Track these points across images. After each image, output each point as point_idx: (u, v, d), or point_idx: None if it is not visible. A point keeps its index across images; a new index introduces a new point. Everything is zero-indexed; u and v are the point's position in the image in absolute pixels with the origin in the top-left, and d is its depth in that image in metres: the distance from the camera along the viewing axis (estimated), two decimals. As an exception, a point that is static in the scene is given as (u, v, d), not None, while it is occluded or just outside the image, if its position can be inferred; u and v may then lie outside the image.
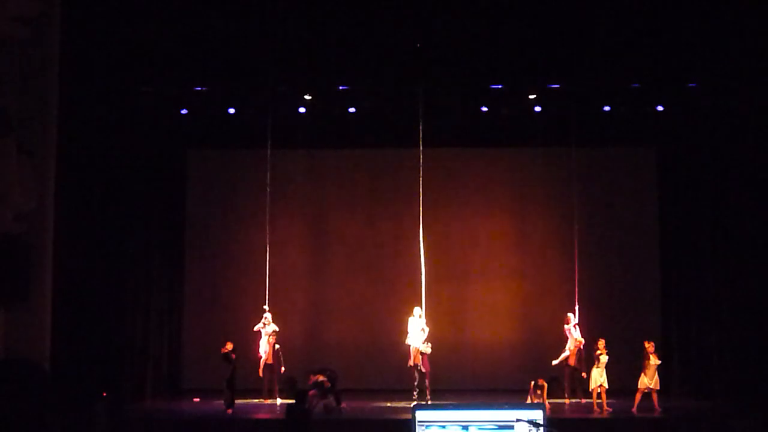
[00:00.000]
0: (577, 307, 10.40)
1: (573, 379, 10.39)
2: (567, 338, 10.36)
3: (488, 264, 11.85)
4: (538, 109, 11.21)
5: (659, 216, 11.80)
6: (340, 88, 11.11)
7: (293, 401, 8.69)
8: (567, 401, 10.39)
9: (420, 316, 10.28)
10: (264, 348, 10.36)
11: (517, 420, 3.11)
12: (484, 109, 11.29)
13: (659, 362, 9.38)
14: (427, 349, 10.12)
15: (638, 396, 9.36)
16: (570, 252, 10.78)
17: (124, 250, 10.36)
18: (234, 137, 11.73)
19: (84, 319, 8.80)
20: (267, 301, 10.62)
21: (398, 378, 10.65)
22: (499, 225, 11.94)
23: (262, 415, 9.81)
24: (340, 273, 11.97)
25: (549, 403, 9.39)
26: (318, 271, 11.93)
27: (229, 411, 9.43)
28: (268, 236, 10.83)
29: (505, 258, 11.87)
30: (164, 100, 10.89)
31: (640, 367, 9.45)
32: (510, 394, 9.77)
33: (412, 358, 10.19)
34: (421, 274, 10.44)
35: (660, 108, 11.20)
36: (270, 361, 10.31)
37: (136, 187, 10.58)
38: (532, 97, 11.12)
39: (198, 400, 10.52)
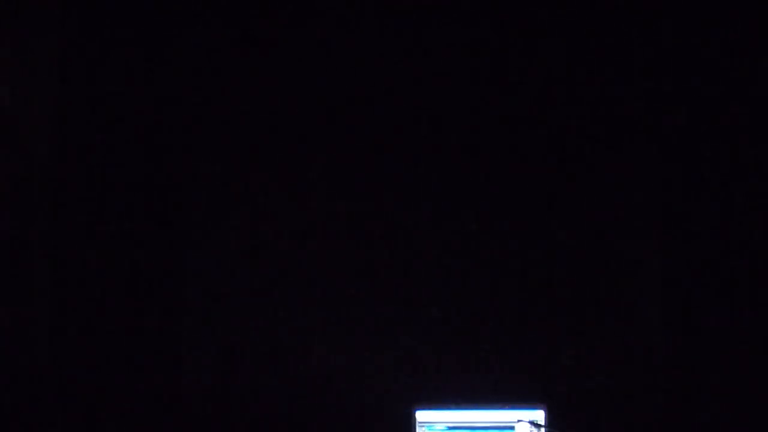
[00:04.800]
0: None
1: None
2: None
3: (488, 263, 11.81)
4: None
5: (662, 213, 11.77)
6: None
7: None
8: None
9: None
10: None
11: (518, 421, 3.10)
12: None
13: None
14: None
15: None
16: (577, 253, 10.74)
17: (124, 248, 10.33)
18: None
19: (83, 318, 8.77)
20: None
21: (398, 378, 10.63)
22: (500, 224, 11.90)
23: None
24: (337, 275, 11.95)
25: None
26: (317, 275, 11.91)
27: None
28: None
29: (505, 257, 11.84)
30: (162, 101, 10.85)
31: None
32: (510, 395, 9.74)
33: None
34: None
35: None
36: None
37: (135, 185, 10.56)
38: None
39: None
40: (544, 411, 3.14)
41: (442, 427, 3.13)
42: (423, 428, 3.09)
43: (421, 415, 3.10)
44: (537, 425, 3.08)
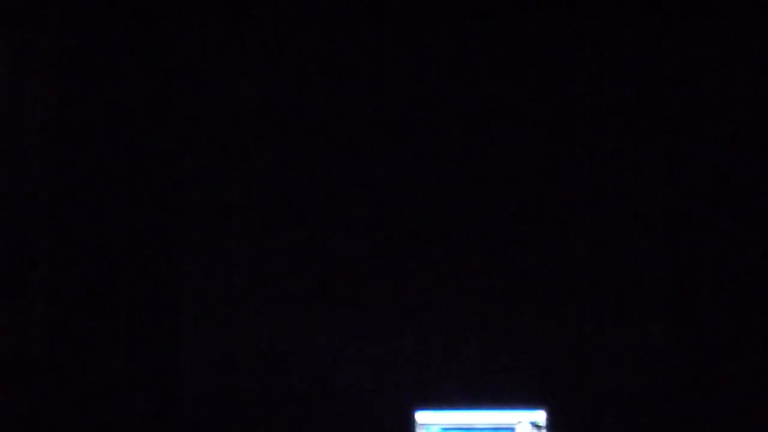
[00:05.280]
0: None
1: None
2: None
3: (488, 263, 11.80)
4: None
5: (665, 214, 11.75)
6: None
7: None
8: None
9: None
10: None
11: (519, 422, 3.09)
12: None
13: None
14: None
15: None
16: (579, 254, 10.72)
17: (123, 248, 10.33)
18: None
19: (82, 319, 8.77)
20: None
21: (397, 379, 10.62)
22: (502, 224, 11.90)
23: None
24: (337, 275, 11.95)
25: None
26: (317, 276, 11.92)
27: None
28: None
29: (506, 257, 11.83)
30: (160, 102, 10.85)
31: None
32: (511, 396, 9.73)
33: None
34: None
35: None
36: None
37: (135, 185, 10.56)
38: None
39: None
40: (546, 412, 3.13)
41: (441, 428, 3.13)
42: (423, 429, 3.08)
43: (420, 416, 3.09)
44: (538, 426, 3.07)
